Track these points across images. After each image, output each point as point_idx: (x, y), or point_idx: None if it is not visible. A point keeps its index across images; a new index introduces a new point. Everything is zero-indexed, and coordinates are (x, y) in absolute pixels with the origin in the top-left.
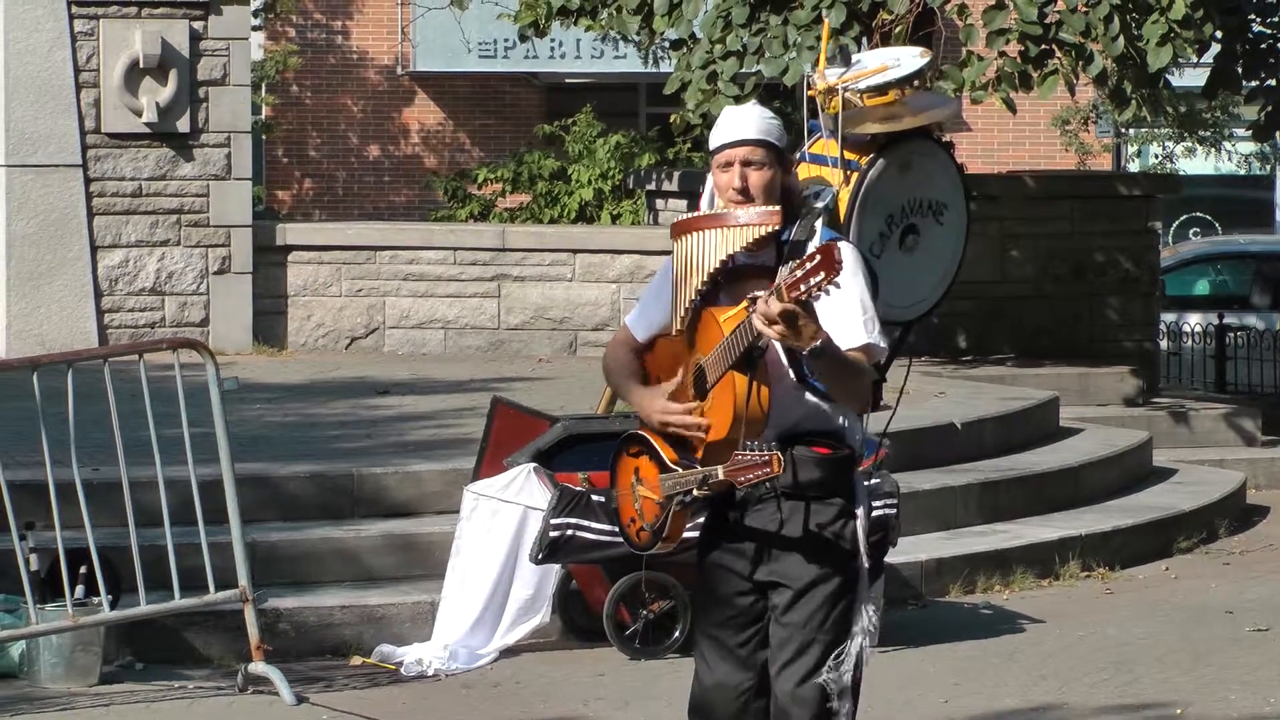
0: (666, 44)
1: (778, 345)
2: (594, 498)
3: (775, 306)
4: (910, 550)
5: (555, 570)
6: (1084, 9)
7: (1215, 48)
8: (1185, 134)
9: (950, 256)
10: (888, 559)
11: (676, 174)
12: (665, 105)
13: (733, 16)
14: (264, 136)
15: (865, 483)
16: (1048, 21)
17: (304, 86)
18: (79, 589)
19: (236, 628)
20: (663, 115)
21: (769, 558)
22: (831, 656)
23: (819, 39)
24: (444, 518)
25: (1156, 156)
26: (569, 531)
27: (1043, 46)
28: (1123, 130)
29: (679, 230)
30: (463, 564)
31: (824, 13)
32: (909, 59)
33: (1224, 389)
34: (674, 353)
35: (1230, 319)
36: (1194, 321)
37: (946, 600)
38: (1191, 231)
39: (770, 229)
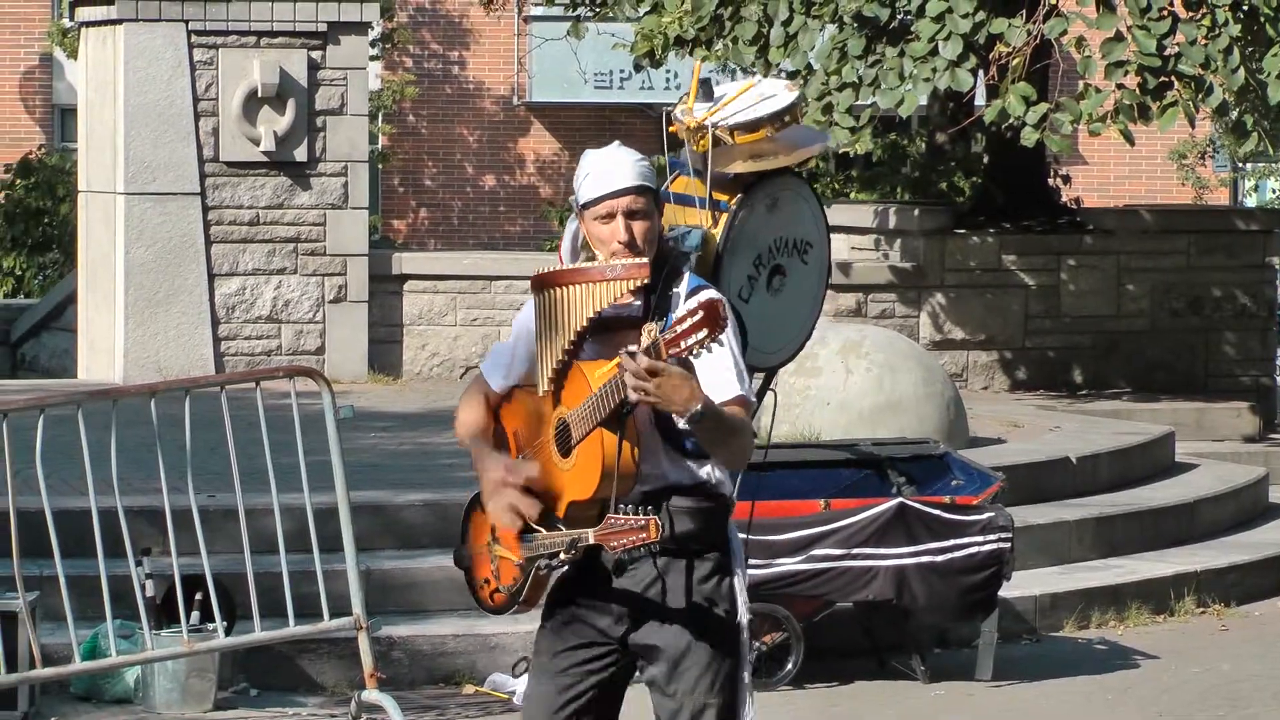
0: (782, 75)
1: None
2: None
3: (647, 364)
4: (1025, 584)
5: None
6: (1204, 41)
7: None
8: None
9: (814, 297)
10: (1002, 593)
11: None
12: None
13: (849, 48)
14: (380, 166)
15: (739, 535)
16: (1167, 53)
17: (420, 116)
18: (194, 615)
19: (350, 655)
20: None
21: (640, 620)
22: None
23: (935, 71)
24: None
25: (1274, 191)
26: None
27: (1161, 78)
28: (1240, 165)
29: (540, 284)
30: None
31: (940, 45)
32: (774, 90)
33: None
34: (533, 406)
35: None
36: None
37: (1061, 635)
38: None
39: (640, 283)
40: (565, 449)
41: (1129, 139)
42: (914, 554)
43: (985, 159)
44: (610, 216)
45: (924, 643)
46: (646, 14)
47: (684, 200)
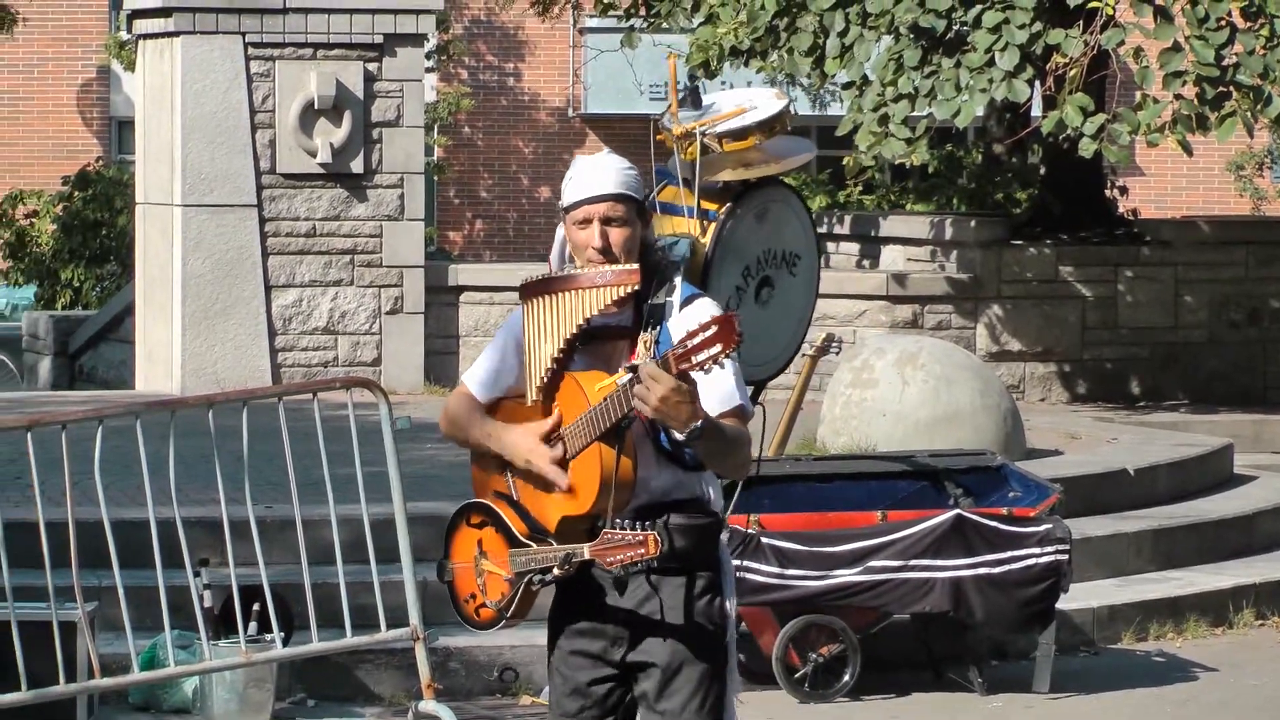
0: (838, 86)
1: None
2: (764, 540)
3: (661, 379)
4: (1083, 597)
5: None
6: (1262, 51)
7: None
8: None
9: (802, 309)
10: (1060, 605)
11: (848, 217)
12: (835, 148)
13: (905, 59)
14: (436, 178)
15: (730, 555)
16: (1225, 63)
17: (476, 128)
18: (252, 626)
19: (408, 666)
20: (833, 158)
21: (634, 636)
22: None
23: (991, 82)
24: None
25: None
26: (739, 574)
27: (1220, 89)
28: None
29: (529, 292)
30: None
31: (996, 56)
32: (766, 102)
33: None
34: (521, 417)
35: None
36: None
37: (1119, 647)
38: None
39: (630, 289)
40: (560, 463)
41: (1187, 149)
42: (971, 566)
43: (1042, 170)
44: (587, 222)
45: (981, 654)
46: (701, 25)
47: (671, 209)
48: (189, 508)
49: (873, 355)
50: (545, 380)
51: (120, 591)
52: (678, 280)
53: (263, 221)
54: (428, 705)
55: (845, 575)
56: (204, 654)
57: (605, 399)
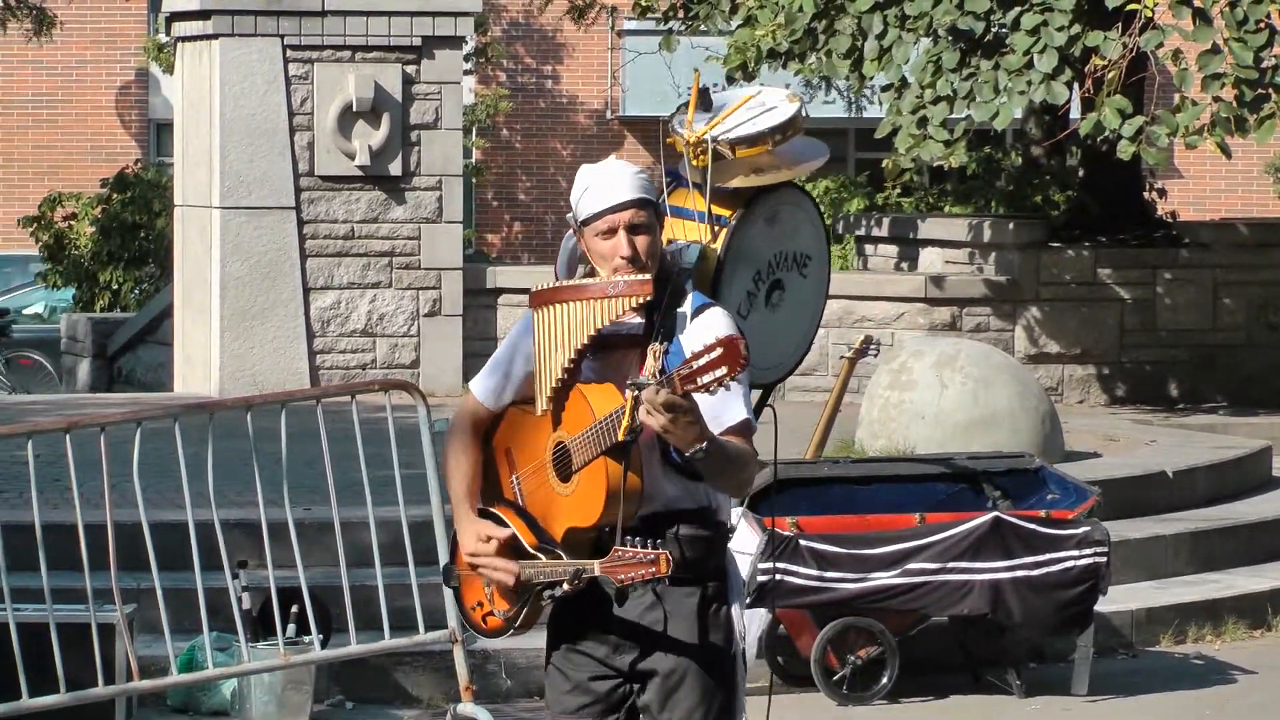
0: (876, 89)
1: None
2: (802, 543)
3: (664, 400)
4: (1121, 599)
5: (763, 614)
6: None
7: None
8: None
9: (812, 311)
10: (1098, 607)
11: (886, 219)
12: (874, 150)
13: (943, 61)
14: (474, 180)
15: (736, 566)
16: (1264, 65)
17: (514, 130)
18: (290, 628)
19: (446, 668)
20: (872, 160)
21: (637, 646)
22: None
23: (1030, 84)
24: None
25: None
26: (777, 576)
27: (1259, 91)
28: None
29: (540, 301)
30: None
31: (1035, 58)
32: (778, 103)
33: None
34: (528, 425)
35: None
36: None
37: (1157, 650)
38: None
39: (643, 299)
40: (565, 474)
41: (1226, 152)
42: (1009, 568)
43: (1080, 172)
44: (612, 232)
45: (1019, 657)
46: (739, 27)
47: (682, 214)
48: (227, 510)
49: (911, 358)
50: (555, 391)
51: (159, 594)
52: (688, 288)
53: (301, 224)
54: (466, 708)
55: (883, 577)
56: (242, 656)
57: (611, 414)
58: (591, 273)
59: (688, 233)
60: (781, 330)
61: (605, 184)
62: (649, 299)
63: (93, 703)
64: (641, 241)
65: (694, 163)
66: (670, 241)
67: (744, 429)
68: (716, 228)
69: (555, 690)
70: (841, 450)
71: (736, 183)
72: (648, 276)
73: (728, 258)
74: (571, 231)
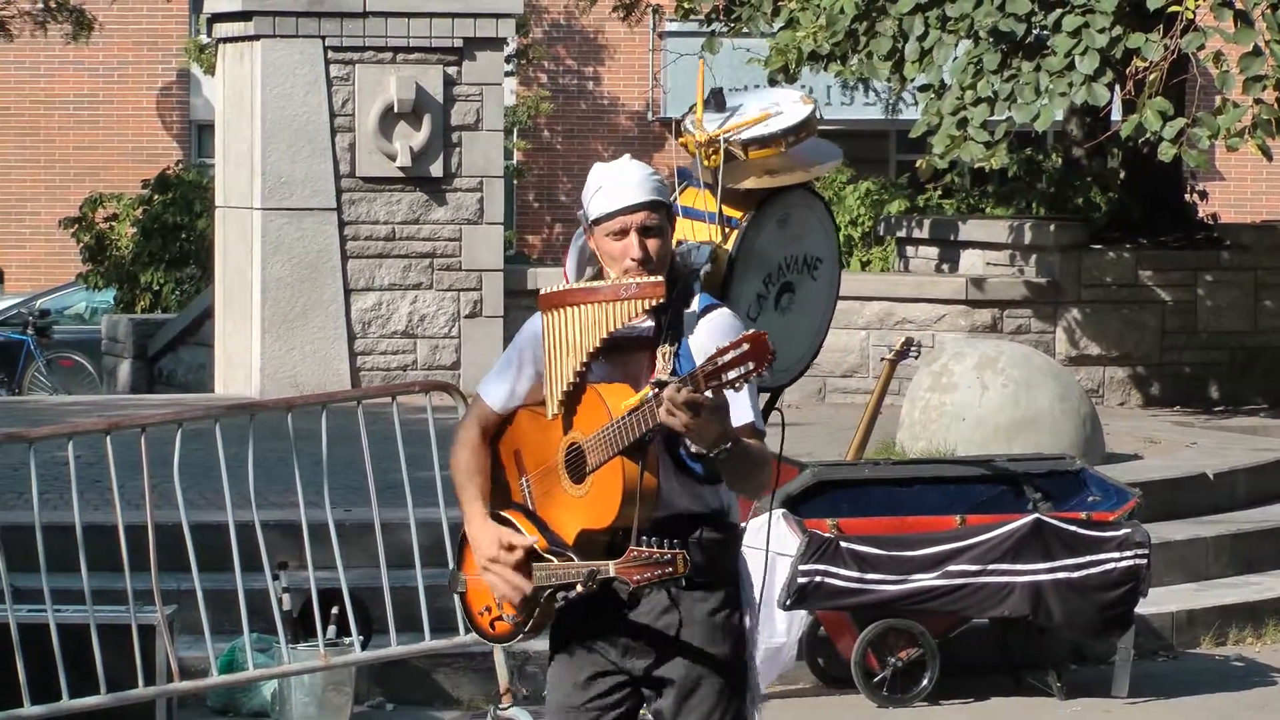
0: (915, 90)
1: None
2: (843, 544)
3: (684, 396)
4: (1161, 601)
5: (803, 616)
6: None
7: None
8: None
9: (822, 315)
10: (1138, 609)
11: (927, 221)
12: (915, 152)
13: (984, 63)
14: (515, 181)
15: (748, 568)
16: None
17: (555, 132)
18: (331, 629)
19: (486, 669)
20: (913, 162)
21: (650, 650)
22: None
23: (1071, 86)
24: None
25: None
26: (817, 578)
27: None
28: None
29: (549, 304)
30: None
31: (1076, 60)
32: (791, 106)
33: None
34: (538, 428)
35: None
36: None
37: (1197, 652)
38: None
39: (656, 302)
40: (578, 475)
41: (1267, 154)
42: (1050, 570)
43: (1121, 174)
44: (623, 233)
45: (1060, 659)
46: (781, 29)
47: (693, 215)
48: (268, 511)
49: (952, 359)
50: (567, 394)
51: (199, 595)
52: (696, 289)
53: (342, 225)
54: (506, 710)
55: (924, 579)
56: (283, 657)
57: (629, 413)
58: (600, 273)
59: (698, 234)
60: (791, 334)
61: (618, 184)
62: (662, 301)
63: (133, 704)
64: (653, 243)
65: (706, 163)
66: (680, 242)
67: (751, 430)
68: (727, 229)
69: (559, 689)
70: (882, 452)
71: (749, 184)
72: (660, 279)
73: (738, 259)
74: (581, 231)
